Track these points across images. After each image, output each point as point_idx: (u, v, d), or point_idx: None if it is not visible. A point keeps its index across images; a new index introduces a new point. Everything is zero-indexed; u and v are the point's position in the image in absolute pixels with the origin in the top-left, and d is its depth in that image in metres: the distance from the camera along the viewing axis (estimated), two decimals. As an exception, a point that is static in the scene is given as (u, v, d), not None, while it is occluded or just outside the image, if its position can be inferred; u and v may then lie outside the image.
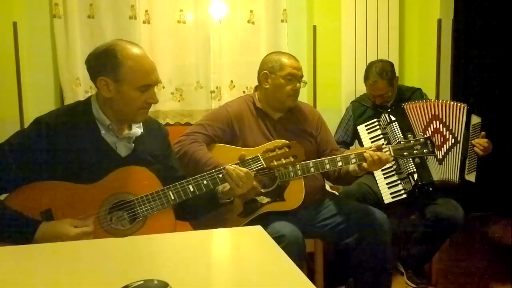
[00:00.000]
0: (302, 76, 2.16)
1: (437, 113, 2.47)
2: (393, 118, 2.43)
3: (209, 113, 2.36)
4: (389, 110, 2.51)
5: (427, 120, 2.46)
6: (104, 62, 1.52)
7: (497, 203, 3.69)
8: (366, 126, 2.55)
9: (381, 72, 2.59)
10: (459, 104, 2.48)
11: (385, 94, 2.63)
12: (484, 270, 2.78)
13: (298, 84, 2.14)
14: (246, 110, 2.17)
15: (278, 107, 2.17)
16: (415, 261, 2.60)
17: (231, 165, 1.67)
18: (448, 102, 2.52)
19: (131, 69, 1.52)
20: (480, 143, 2.44)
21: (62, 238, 1.41)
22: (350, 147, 2.82)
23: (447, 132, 2.46)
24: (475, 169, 2.47)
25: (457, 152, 2.44)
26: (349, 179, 2.18)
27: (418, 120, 2.46)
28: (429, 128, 2.45)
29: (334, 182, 2.31)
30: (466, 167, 2.44)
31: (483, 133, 2.49)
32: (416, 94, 2.76)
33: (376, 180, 2.48)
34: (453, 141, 2.45)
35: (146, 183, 1.58)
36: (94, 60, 1.55)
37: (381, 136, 2.47)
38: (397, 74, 2.74)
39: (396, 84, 2.70)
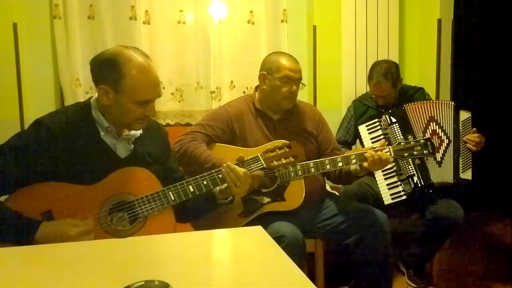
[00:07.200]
0: (299, 79, 2.13)
1: (432, 115, 2.46)
2: (394, 120, 2.42)
3: (209, 113, 2.36)
4: (390, 111, 2.50)
5: (426, 122, 2.45)
6: (106, 71, 1.51)
7: (497, 202, 3.68)
8: (367, 126, 2.54)
9: (385, 73, 2.56)
10: (447, 102, 2.48)
11: (388, 95, 2.60)
12: (484, 270, 2.78)
13: (294, 87, 2.11)
14: (246, 110, 2.17)
15: (275, 108, 2.16)
16: (416, 261, 2.59)
17: (230, 164, 1.67)
18: (438, 101, 2.52)
19: (132, 83, 1.49)
20: (472, 138, 2.42)
21: (63, 239, 1.41)
22: (352, 147, 2.82)
23: (442, 133, 2.45)
24: (470, 166, 2.45)
25: (450, 151, 2.43)
26: (350, 179, 2.18)
27: (418, 122, 2.45)
28: (427, 130, 2.45)
29: (335, 181, 2.30)
30: (460, 166, 2.42)
31: (474, 129, 2.45)
32: (418, 93, 2.74)
33: (376, 181, 2.48)
34: (447, 142, 2.44)
35: (146, 183, 1.58)
36: (97, 66, 1.54)
37: (382, 136, 2.46)
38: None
39: (400, 85, 2.67)
